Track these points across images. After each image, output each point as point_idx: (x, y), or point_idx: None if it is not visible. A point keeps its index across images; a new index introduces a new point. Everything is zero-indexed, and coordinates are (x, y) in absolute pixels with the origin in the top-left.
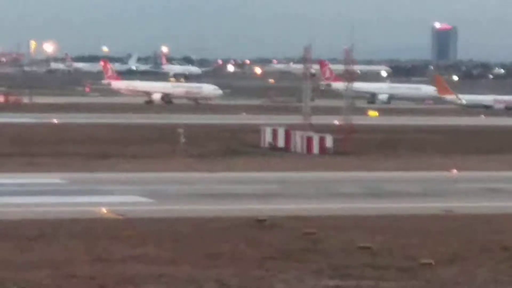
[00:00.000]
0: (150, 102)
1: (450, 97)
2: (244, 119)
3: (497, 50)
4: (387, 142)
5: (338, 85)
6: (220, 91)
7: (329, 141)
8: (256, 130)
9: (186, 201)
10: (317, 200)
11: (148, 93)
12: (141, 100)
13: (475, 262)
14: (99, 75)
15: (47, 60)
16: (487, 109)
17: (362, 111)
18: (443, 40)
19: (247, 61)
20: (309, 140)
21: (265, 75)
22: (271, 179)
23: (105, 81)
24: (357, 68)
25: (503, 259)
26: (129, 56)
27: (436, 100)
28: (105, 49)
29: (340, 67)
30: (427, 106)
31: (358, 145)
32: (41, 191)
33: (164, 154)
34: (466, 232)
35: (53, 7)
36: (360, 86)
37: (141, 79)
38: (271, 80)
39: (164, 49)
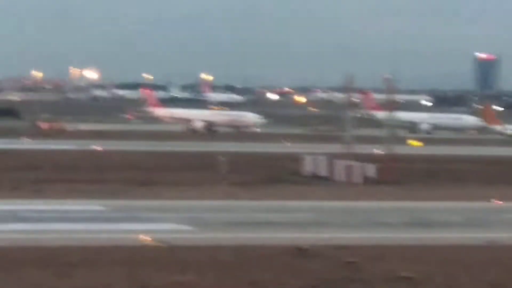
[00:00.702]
0: (193, 131)
1: (498, 127)
2: (286, 147)
3: None
4: (429, 172)
5: (380, 114)
6: (262, 120)
7: (371, 170)
8: (298, 158)
9: (227, 229)
10: (358, 229)
11: (191, 121)
12: (184, 128)
13: None
14: (141, 103)
15: (89, 87)
16: None
17: (404, 141)
18: (486, 70)
19: (289, 90)
20: (351, 169)
21: (308, 103)
22: (312, 208)
23: (148, 109)
24: (399, 97)
25: None
26: (170, 83)
27: (479, 130)
28: (147, 76)
29: (382, 97)
30: (470, 136)
31: (400, 175)
32: (83, 217)
33: (206, 182)
34: (508, 263)
35: (96, 32)
36: (402, 115)
37: (184, 107)
38: (314, 109)
39: (207, 76)
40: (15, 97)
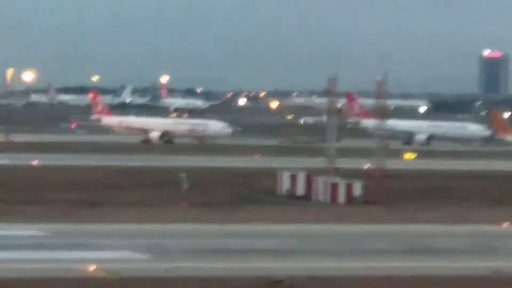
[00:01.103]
0: (147, 141)
1: (510, 137)
2: (257, 162)
3: None
4: (426, 190)
5: (369, 122)
6: (229, 129)
7: (357, 189)
8: (271, 175)
9: (189, 258)
10: (342, 258)
11: (145, 131)
12: (136, 139)
13: None
14: (87, 110)
15: (27, 91)
16: None
17: (397, 153)
18: (492, 71)
19: (262, 94)
20: (334, 187)
21: (283, 110)
22: (289, 233)
23: (94, 117)
24: (391, 103)
25: None
26: (123, 87)
27: (486, 140)
28: (95, 79)
29: (371, 102)
30: (475, 148)
31: (391, 193)
32: (18, 245)
33: (164, 202)
34: None
35: (34, 31)
36: (395, 124)
37: (137, 114)
38: (290, 116)
39: (164, 79)
40: None
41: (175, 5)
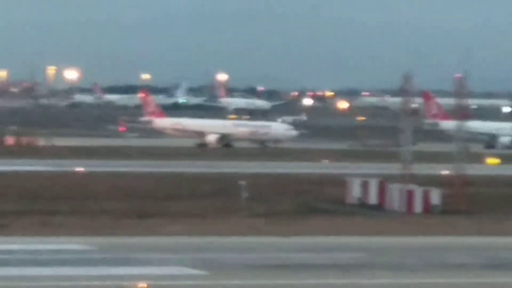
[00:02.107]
0: (203, 145)
1: None
2: (325, 167)
3: None
4: (511, 199)
5: (447, 124)
6: (294, 132)
7: (435, 197)
8: (340, 182)
9: (249, 274)
10: (418, 273)
11: (201, 134)
12: (192, 142)
13: None
14: (137, 111)
15: (70, 91)
16: None
17: (479, 158)
18: None
19: (330, 93)
20: (410, 195)
21: (353, 110)
22: (359, 246)
23: (145, 118)
24: (472, 102)
25: None
26: (177, 86)
27: None
28: (145, 77)
29: (449, 101)
30: None
31: (473, 202)
32: (61, 260)
33: (221, 212)
34: None
35: (77, 27)
36: (476, 125)
37: (192, 115)
38: (361, 118)
39: (222, 77)
40: None
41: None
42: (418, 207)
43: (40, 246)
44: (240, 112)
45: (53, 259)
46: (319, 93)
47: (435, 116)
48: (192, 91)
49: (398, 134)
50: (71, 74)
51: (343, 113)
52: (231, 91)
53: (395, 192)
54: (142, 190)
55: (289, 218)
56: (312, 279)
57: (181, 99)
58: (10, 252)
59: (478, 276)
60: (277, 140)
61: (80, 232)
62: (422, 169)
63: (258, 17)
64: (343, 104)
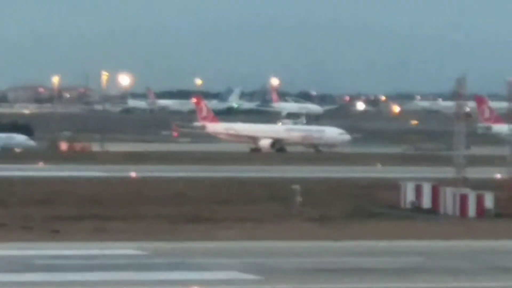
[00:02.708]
0: (256, 150)
1: None
2: (378, 171)
3: None
4: None
5: (501, 128)
6: (347, 136)
7: (489, 201)
8: (394, 186)
9: (303, 278)
10: (474, 277)
11: (254, 139)
12: (245, 147)
13: None
14: (190, 116)
15: (123, 96)
16: None
17: None
18: None
19: (383, 97)
20: (463, 199)
21: (405, 115)
22: (414, 250)
23: (198, 123)
24: None
25: None
26: (229, 91)
27: None
28: (198, 82)
29: (503, 105)
30: None
31: None
32: (114, 265)
33: (275, 217)
34: None
35: (131, 32)
36: None
37: (246, 120)
38: (414, 122)
39: (275, 82)
40: (26, 109)
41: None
42: (471, 211)
43: (94, 251)
44: (293, 117)
45: (106, 264)
46: (371, 97)
47: (488, 119)
48: (245, 96)
49: (451, 138)
50: (124, 80)
51: (395, 117)
52: (284, 95)
53: (448, 196)
54: (195, 195)
55: (343, 222)
56: (367, 283)
57: (234, 104)
58: (64, 257)
59: None
60: (330, 145)
61: (134, 237)
62: (476, 173)
63: (310, 23)
64: (395, 108)
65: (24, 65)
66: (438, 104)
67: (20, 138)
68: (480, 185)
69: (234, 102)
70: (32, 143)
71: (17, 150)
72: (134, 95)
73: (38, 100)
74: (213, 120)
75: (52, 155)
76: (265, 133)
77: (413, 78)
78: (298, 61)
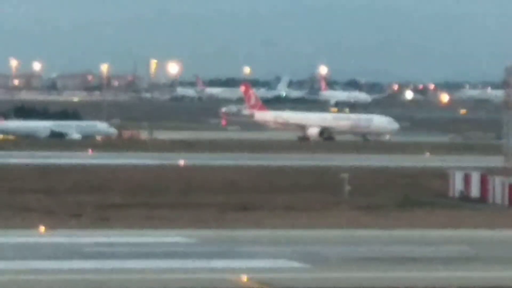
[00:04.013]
0: (305, 138)
1: None
2: (427, 160)
3: None
4: None
5: None
6: (396, 125)
7: None
8: (442, 175)
9: (351, 266)
10: None
11: (302, 127)
12: (293, 135)
13: None
14: (239, 104)
15: (172, 84)
16: None
17: None
18: None
19: (431, 86)
20: None
21: (454, 103)
22: (461, 239)
23: (247, 111)
24: None
25: None
26: (278, 79)
27: None
28: (246, 70)
29: None
30: None
31: None
32: (163, 253)
33: (323, 205)
34: None
35: (179, 20)
36: None
37: (294, 108)
38: (463, 111)
39: (323, 70)
40: (75, 97)
41: None
42: None
43: (143, 239)
44: (341, 105)
45: (155, 251)
46: (420, 85)
47: None
48: (293, 84)
49: (500, 127)
50: (173, 68)
51: (444, 106)
52: (332, 84)
53: (497, 185)
54: (244, 183)
55: (391, 211)
56: (415, 272)
57: (282, 93)
58: (113, 245)
59: None
60: (378, 133)
61: (183, 225)
62: None
63: (360, 10)
64: (444, 97)
65: (73, 53)
66: (487, 93)
67: (101, 126)
68: None
69: (282, 90)
70: (112, 130)
71: (98, 137)
72: (182, 83)
73: (87, 88)
74: (261, 108)
75: (101, 143)
76: (313, 121)
77: (462, 67)
78: (347, 49)
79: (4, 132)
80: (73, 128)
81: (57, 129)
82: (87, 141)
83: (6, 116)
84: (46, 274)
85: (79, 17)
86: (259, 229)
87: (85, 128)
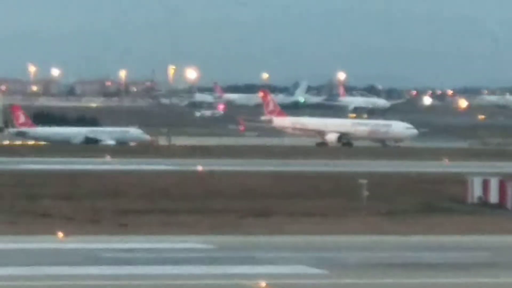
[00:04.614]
0: (323, 144)
1: None
2: (445, 166)
3: None
4: None
5: None
6: (414, 130)
7: None
8: (461, 180)
9: (370, 273)
10: None
11: (321, 133)
12: (311, 141)
13: None
14: (257, 110)
15: (190, 90)
16: None
17: None
18: None
19: (450, 92)
20: None
21: (473, 109)
22: (481, 245)
23: (265, 117)
24: None
25: None
26: (296, 85)
27: None
28: (264, 76)
29: None
30: None
31: None
32: (182, 259)
33: (342, 211)
34: None
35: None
36: None
37: (312, 114)
38: (481, 116)
39: (342, 76)
40: (94, 103)
41: None
42: None
43: (162, 245)
44: (360, 111)
45: (174, 257)
46: (438, 91)
47: None
48: (312, 90)
49: None
50: (191, 74)
51: (462, 111)
52: (350, 89)
53: None
54: (262, 189)
55: (410, 217)
56: (434, 278)
57: (301, 98)
58: (131, 250)
59: None
60: (397, 139)
61: (201, 231)
62: None
63: (377, 16)
64: (462, 103)
65: (91, 59)
66: (506, 98)
67: (134, 132)
68: None
69: (300, 96)
70: (146, 136)
71: (132, 144)
72: (200, 89)
73: (105, 93)
74: (279, 114)
75: (119, 149)
76: (332, 127)
77: (480, 73)
78: (365, 55)
79: (37, 138)
80: (107, 134)
81: (92, 135)
82: (121, 147)
83: (38, 122)
84: (64, 280)
85: (98, 23)
86: (277, 235)
87: (119, 134)
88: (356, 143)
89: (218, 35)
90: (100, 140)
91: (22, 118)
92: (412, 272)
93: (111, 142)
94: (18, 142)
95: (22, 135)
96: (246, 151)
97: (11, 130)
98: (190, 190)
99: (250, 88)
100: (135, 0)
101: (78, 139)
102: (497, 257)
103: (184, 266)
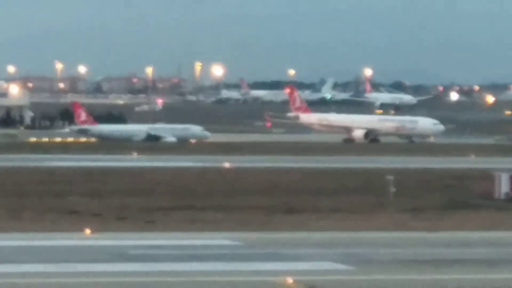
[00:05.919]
0: (350, 141)
1: None
2: (472, 162)
3: None
4: None
5: None
6: (441, 126)
7: None
8: (488, 176)
9: (397, 269)
10: None
11: (347, 129)
12: (338, 137)
13: None
14: (283, 106)
15: (217, 87)
16: None
17: None
18: None
19: (476, 87)
20: None
21: (500, 105)
22: (508, 241)
23: (291, 114)
24: None
25: None
26: (323, 81)
27: None
28: (291, 72)
29: None
30: None
31: None
32: (209, 255)
33: (368, 207)
34: None
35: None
36: None
37: (339, 111)
38: (508, 112)
39: (368, 72)
40: (120, 100)
41: None
42: None
43: (189, 242)
44: (386, 107)
45: (201, 254)
46: (465, 87)
47: None
48: (338, 86)
49: None
50: (218, 70)
51: (489, 107)
52: (377, 86)
53: None
54: (289, 186)
55: (437, 213)
56: (460, 274)
57: (327, 95)
58: (159, 247)
59: None
60: (424, 135)
61: (228, 227)
62: None
63: (404, 12)
64: (489, 99)
65: (118, 56)
66: None
67: (195, 129)
68: None
69: (327, 92)
70: (207, 134)
71: (193, 141)
72: (227, 85)
73: (132, 90)
74: (306, 110)
75: (146, 146)
76: (358, 123)
77: (507, 68)
78: (392, 51)
79: (99, 135)
80: (168, 131)
81: (153, 133)
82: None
83: (98, 120)
84: (91, 276)
85: (124, 20)
86: (304, 231)
87: (180, 131)
88: (383, 139)
89: (245, 32)
90: (162, 137)
91: (83, 116)
92: (439, 268)
93: (173, 139)
94: (82, 139)
95: (84, 132)
96: (273, 147)
97: (73, 127)
98: (217, 186)
99: (276, 85)
100: None
101: (139, 136)
102: None
103: (211, 263)
